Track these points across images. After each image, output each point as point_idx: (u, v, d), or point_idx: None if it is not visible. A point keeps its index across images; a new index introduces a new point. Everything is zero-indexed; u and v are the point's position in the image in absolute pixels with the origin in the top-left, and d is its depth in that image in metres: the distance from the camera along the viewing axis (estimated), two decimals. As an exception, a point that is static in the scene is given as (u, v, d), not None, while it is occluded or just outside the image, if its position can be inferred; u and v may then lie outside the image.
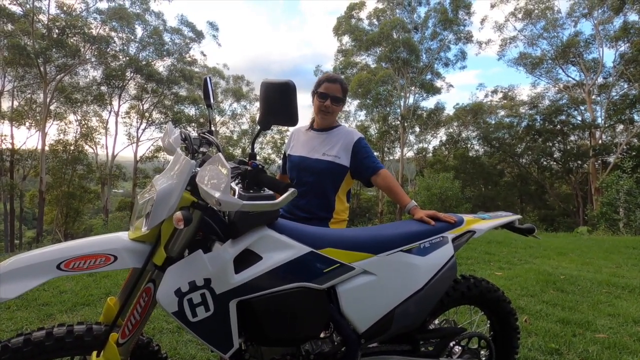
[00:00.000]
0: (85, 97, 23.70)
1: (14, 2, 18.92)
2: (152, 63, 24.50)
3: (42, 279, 0.92)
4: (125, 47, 23.66)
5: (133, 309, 1.00)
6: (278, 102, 0.98)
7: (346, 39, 26.86)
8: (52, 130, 23.26)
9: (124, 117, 25.87)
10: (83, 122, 24.56)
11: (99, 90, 23.85)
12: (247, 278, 1.04)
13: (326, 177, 1.73)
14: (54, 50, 19.77)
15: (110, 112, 25.21)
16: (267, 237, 1.11)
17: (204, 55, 27.37)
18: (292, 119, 0.99)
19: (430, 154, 29.96)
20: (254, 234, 1.08)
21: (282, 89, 0.98)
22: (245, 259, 1.07)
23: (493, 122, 26.58)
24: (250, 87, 31.09)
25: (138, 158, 25.99)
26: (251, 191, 0.94)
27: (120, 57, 23.40)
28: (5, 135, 21.21)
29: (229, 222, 1.06)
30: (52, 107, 22.11)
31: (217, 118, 29.96)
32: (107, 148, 25.39)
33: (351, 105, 28.53)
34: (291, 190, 0.89)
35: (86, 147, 24.78)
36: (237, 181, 0.96)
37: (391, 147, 29.00)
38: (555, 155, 25.27)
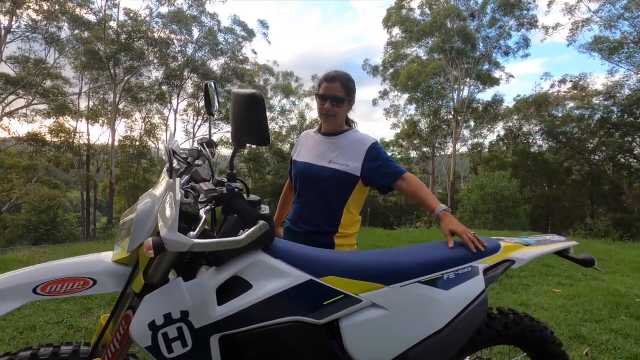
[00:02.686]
0: (148, 96, 25.66)
1: (89, 12, 20.93)
2: (207, 62, 25.76)
3: (16, 303, 0.89)
4: (183, 48, 25.11)
5: (113, 337, 0.95)
6: (245, 117, 0.85)
7: (396, 30, 25.95)
8: (121, 127, 25.53)
9: (182, 115, 27.58)
10: (147, 119, 26.62)
11: (160, 90, 25.70)
12: (231, 311, 0.93)
13: (331, 187, 1.57)
14: (122, 53, 21.57)
15: (170, 110, 27.04)
16: (259, 263, 0.98)
17: (255, 53, 28.12)
18: (261, 138, 0.86)
19: (486, 150, 28.01)
20: (244, 259, 0.97)
21: (248, 101, 0.85)
22: (233, 286, 0.96)
23: (560, 114, 24.08)
24: (299, 83, 31.43)
25: (194, 153, 27.48)
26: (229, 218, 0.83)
27: (179, 57, 24.90)
28: (82, 132, 23.67)
29: (221, 233, 0.96)
30: (120, 106, 24.26)
31: (267, 114, 30.64)
32: (166, 143, 27.19)
33: (400, 98, 27.65)
34: (260, 223, 0.76)
35: (149, 142, 26.81)
36: (209, 207, 0.84)
37: (443, 142, 27.62)
38: (635, 152, 22.25)
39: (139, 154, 25.87)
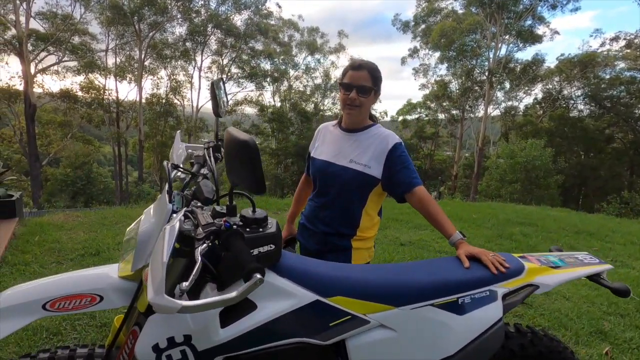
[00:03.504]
0: (173, 53, 25.48)
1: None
2: (230, 17, 24.98)
3: (28, 320, 0.92)
4: (206, 2, 24.35)
5: (122, 349, 0.97)
6: (239, 163, 0.77)
7: (431, -20, 23.85)
8: (147, 84, 25.73)
9: (206, 72, 27.35)
10: (172, 77, 26.63)
11: (184, 46, 25.39)
12: (235, 334, 0.92)
13: (352, 188, 1.48)
14: (145, 8, 21.21)
15: (194, 68, 26.86)
16: (265, 283, 0.95)
17: (279, 7, 26.95)
18: (255, 188, 0.78)
19: (521, 114, 26.41)
20: None
21: (242, 147, 0.76)
22: (237, 306, 0.94)
23: (607, 76, 22.04)
24: (325, 40, 30.07)
25: (218, 112, 27.62)
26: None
27: (202, 12, 24.25)
28: (111, 90, 24.11)
29: (217, 271, 0.93)
30: (146, 63, 24.34)
31: (291, 72, 29.93)
32: (192, 102, 27.43)
33: (431, 57, 26.09)
34: (255, 278, 0.71)
35: (175, 100, 27.01)
36: (205, 245, 0.80)
37: (474, 104, 26.24)
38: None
39: (166, 112, 26.22)
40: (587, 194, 22.61)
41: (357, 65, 1.45)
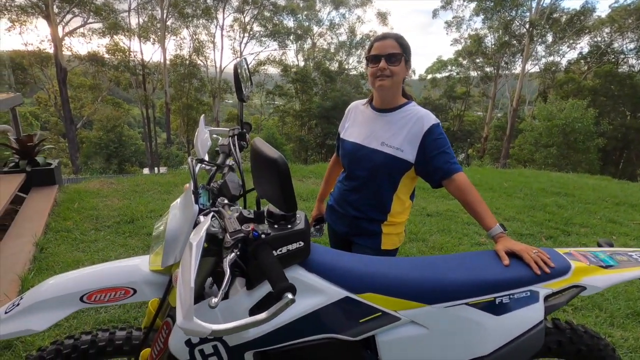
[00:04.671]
0: (194, 11, 24.90)
1: None
2: (251, -30, 23.79)
3: (66, 312, 0.95)
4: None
5: (157, 337, 1.00)
6: (266, 179, 0.71)
7: None
8: (171, 45, 25.56)
9: (228, 31, 26.73)
10: (194, 37, 26.23)
11: (205, 4, 24.69)
12: (264, 330, 0.93)
13: (383, 172, 1.40)
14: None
15: (216, 27, 26.26)
16: (294, 280, 0.94)
17: (302, -44, 25.25)
18: (286, 206, 0.73)
19: (562, 70, 24.39)
20: None
21: (269, 165, 0.70)
22: (267, 303, 0.93)
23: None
24: (351, -8, 28.28)
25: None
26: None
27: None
28: (136, 51, 24.15)
29: (247, 267, 0.91)
30: (168, 23, 23.98)
31: (314, 29, 28.71)
32: (215, 62, 27.15)
33: (466, 9, 24.11)
34: (287, 299, 0.68)
35: (198, 61, 26.80)
36: (233, 255, 0.76)
37: (510, 61, 24.43)
38: None
39: (190, 73, 26.16)
40: (630, 158, 21.18)
41: (381, 36, 1.38)
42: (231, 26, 26.87)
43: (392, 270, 1.05)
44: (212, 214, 0.84)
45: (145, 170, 22.87)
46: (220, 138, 1.20)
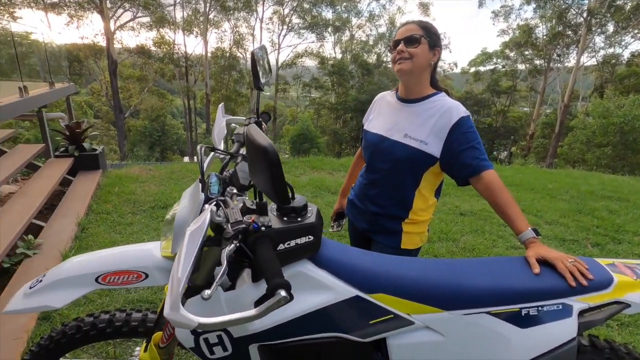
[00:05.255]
0: (236, 4, 25.39)
1: None
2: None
3: (83, 291, 0.98)
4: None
5: (167, 323, 1.01)
6: (259, 168, 0.67)
7: None
8: (212, 38, 26.36)
9: (267, 24, 27.04)
10: (235, 29, 26.83)
11: (246, -4, 25.13)
12: (270, 324, 0.90)
13: (405, 167, 1.32)
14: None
15: (256, 19, 26.66)
16: (302, 275, 0.91)
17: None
18: (277, 197, 0.68)
19: (624, 63, 22.28)
20: (286, 269, 0.90)
21: (260, 153, 0.66)
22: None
23: None
24: (392, -19, 27.52)
25: (279, 65, 27.62)
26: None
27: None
28: (180, 44, 25.15)
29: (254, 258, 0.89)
30: (210, 16, 24.68)
31: (353, 20, 28.30)
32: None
33: (516, -2, 22.58)
34: (279, 297, 0.64)
35: (238, 54, 27.41)
36: (232, 246, 0.74)
37: (563, 53, 22.68)
38: None
39: (230, 65, 26.83)
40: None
41: (405, 22, 1.33)
42: (270, 18, 27.18)
43: (408, 271, 0.99)
44: (214, 203, 0.82)
45: (186, 159, 23.95)
46: (237, 127, 1.19)
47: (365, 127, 1.50)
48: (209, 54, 25.49)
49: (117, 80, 21.60)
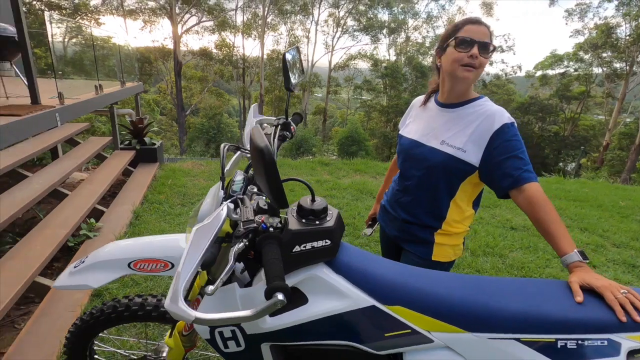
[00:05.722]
0: (293, 8, 26.11)
1: None
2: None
3: (117, 274, 1.06)
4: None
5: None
6: (258, 169, 0.66)
7: None
8: (269, 41, 27.30)
9: (322, 26, 27.42)
10: (290, 32, 27.57)
11: (303, 0, 25.70)
12: (283, 325, 0.90)
13: (439, 174, 1.24)
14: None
15: (311, 22, 27.18)
16: (317, 279, 0.89)
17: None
18: (274, 200, 0.67)
19: None
20: (302, 272, 0.89)
21: (257, 155, 0.64)
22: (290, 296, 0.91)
23: None
24: (453, -19, 26.43)
25: (331, 67, 27.86)
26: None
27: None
28: (238, 47, 26.45)
29: None
30: (268, 20, 25.64)
31: (409, 22, 27.65)
32: (307, 56, 28.15)
33: (595, -6, 20.56)
34: (276, 300, 0.63)
35: (292, 56, 28.11)
36: (242, 244, 0.74)
37: (651, 56, 20.12)
38: None
39: (304, 67, 27.61)
40: None
41: (475, 19, 1.18)
42: (325, 21, 27.54)
43: (430, 284, 0.93)
44: (228, 201, 0.84)
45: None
46: (267, 126, 1.20)
47: (400, 132, 1.44)
48: (265, 56, 26.45)
49: (181, 80, 23.28)
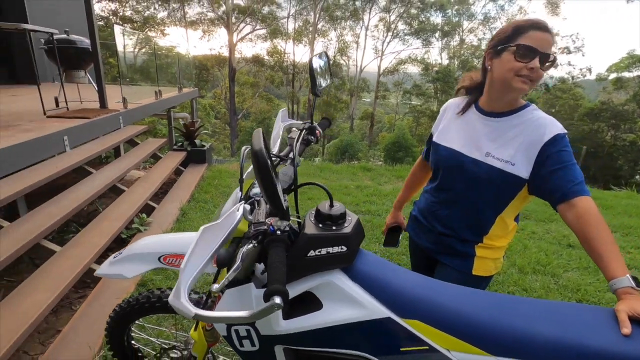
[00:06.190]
0: (343, 14, 26.35)
1: None
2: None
3: (148, 267, 1.12)
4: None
5: (212, 307, 1.09)
6: (255, 171, 0.65)
7: None
8: (318, 47, 27.76)
9: (372, 31, 27.34)
10: (340, 38, 27.82)
11: (354, 6, 25.82)
12: (296, 328, 0.89)
13: (485, 189, 1.15)
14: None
15: (361, 27, 27.21)
16: (333, 285, 0.88)
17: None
18: (271, 205, 0.66)
19: None
20: (317, 278, 0.89)
21: (252, 158, 0.64)
22: (304, 300, 0.91)
23: None
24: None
25: (381, 71, 27.60)
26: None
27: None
28: (289, 53, 27.22)
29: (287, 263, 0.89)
30: (319, 26, 26.12)
31: (464, 24, 26.56)
32: (356, 62, 28.21)
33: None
34: (273, 302, 0.62)
35: (341, 61, 28.31)
36: (251, 246, 0.75)
37: None
38: None
39: (332, 73, 27.91)
40: None
41: (542, 25, 1.03)
42: (376, 26, 27.45)
43: (454, 300, 0.87)
44: (244, 203, 0.85)
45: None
46: (295, 130, 1.22)
47: (435, 139, 1.34)
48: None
49: (234, 86, 24.48)
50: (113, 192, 3.48)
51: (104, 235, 2.62)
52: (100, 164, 4.38)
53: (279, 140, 1.17)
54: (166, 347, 1.39)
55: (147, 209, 3.41)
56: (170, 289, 1.30)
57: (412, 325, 0.85)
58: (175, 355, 1.39)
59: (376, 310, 0.86)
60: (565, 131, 1.08)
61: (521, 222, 3.69)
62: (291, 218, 0.97)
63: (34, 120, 3.41)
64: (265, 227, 0.76)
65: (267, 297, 0.62)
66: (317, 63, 1.09)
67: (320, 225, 0.87)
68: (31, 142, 2.78)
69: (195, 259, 0.68)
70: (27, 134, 2.89)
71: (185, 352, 1.35)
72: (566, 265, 2.85)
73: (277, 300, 0.61)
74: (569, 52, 23.66)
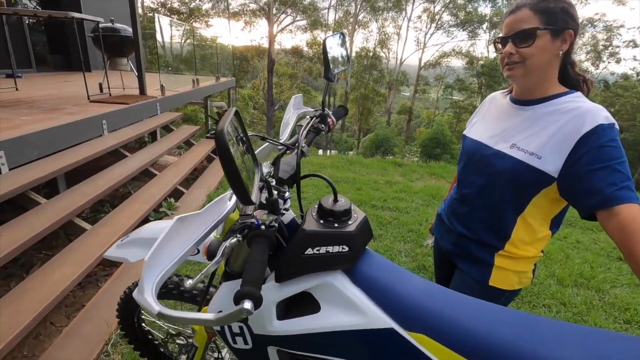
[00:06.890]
0: (385, 4, 25.67)
1: None
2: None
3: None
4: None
5: (212, 297, 1.05)
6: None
7: None
8: (358, 38, 27.37)
9: (415, 22, 26.49)
10: (381, 29, 27.18)
11: (397, -4, 25.15)
12: (289, 330, 0.83)
13: (504, 184, 1.03)
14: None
15: (404, 18, 26.39)
16: (331, 287, 0.80)
17: None
18: (235, 192, 0.57)
19: None
20: (315, 278, 0.81)
21: (215, 139, 0.55)
22: (301, 301, 0.84)
23: None
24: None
25: (422, 64, 26.70)
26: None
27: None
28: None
29: (282, 260, 0.82)
30: (360, 17, 25.66)
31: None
32: (396, 54, 27.48)
33: None
34: (242, 307, 0.55)
35: (381, 53, 27.71)
36: (235, 240, 0.68)
37: None
38: None
39: (371, 65, 27.37)
40: None
41: (512, 8, 0.99)
42: (419, 17, 26.49)
43: (468, 315, 0.76)
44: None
45: (320, 152, 25.78)
46: (308, 118, 1.14)
47: (465, 132, 1.23)
48: (354, 54, 26.54)
49: (273, 77, 24.74)
50: (146, 175, 3.61)
51: (132, 216, 2.71)
52: (140, 147, 4.57)
53: (288, 128, 1.10)
54: (173, 332, 1.39)
55: (176, 194, 3.50)
56: (188, 276, 1.29)
57: (417, 340, 0.76)
58: (181, 342, 1.39)
59: (378, 319, 0.78)
60: (613, 121, 0.91)
61: (564, 229, 3.38)
62: (291, 212, 0.90)
63: (78, 104, 3.60)
64: (248, 222, 0.69)
65: (237, 300, 0.55)
66: (332, 44, 1.00)
67: (322, 222, 0.79)
68: (72, 125, 2.92)
69: (166, 250, 0.63)
70: (70, 117, 3.04)
71: (190, 340, 1.34)
72: (614, 280, 2.56)
73: (247, 305, 0.54)
74: (635, 46, 21.47)
